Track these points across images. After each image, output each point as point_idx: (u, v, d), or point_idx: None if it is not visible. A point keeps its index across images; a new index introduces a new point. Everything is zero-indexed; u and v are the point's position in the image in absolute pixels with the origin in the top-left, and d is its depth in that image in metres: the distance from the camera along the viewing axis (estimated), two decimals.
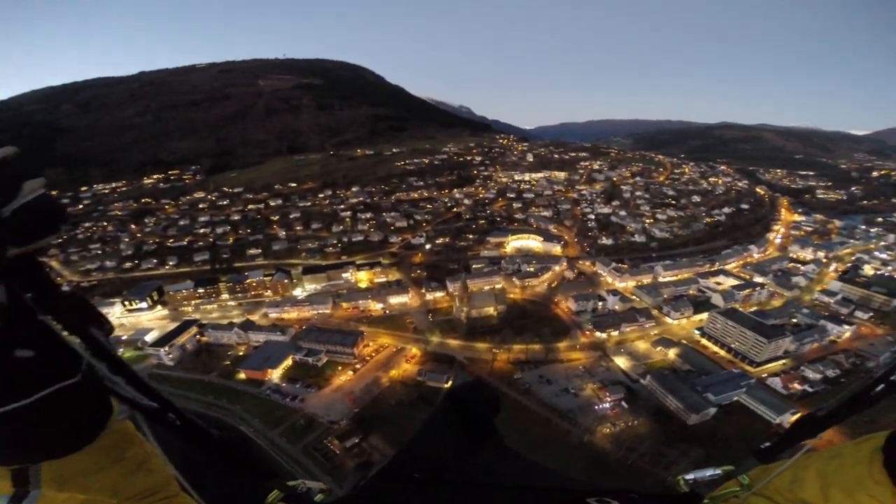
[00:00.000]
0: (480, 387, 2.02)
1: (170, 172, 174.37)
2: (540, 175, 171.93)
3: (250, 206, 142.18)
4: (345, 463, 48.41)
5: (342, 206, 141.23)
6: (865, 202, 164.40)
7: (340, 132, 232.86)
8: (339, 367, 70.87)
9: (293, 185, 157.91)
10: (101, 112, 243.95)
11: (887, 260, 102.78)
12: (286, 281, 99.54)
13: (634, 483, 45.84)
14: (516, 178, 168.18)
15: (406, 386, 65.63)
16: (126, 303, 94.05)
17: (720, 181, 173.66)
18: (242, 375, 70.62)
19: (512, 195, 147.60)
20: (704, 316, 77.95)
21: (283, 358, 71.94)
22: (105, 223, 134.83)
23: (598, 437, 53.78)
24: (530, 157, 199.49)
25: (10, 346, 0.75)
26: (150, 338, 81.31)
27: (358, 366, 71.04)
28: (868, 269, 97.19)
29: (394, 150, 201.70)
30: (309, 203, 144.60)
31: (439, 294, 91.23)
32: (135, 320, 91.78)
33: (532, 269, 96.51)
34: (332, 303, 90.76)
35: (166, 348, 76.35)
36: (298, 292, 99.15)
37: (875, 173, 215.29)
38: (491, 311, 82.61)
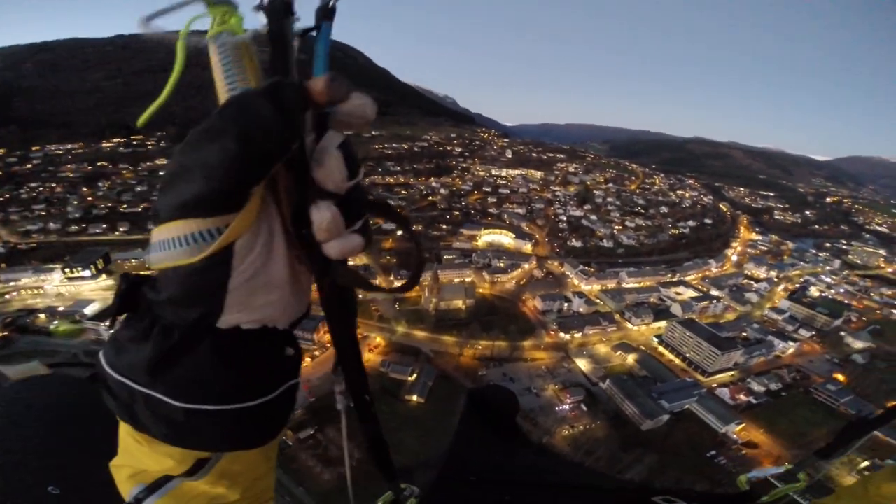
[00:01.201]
0: (499, 388, 2.02)
1: (132, 137, 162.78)
2: (517, 172, 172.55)
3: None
4: (298, 455, 46.54)
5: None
6: (817, 226, 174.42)
7: None
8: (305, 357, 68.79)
9: None
10: (68, 73, 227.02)
11: (831, 283, 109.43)
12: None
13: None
14: (494, 172, 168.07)
15: (368, 376, 64.51)
16: (67, 270, 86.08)
17: (687, 194, 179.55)
18: None
19: (488, 189, 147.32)
20: (663, 324, 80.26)
21: None
22: (54, 184, 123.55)
23: (557, 438, 54.37)
24: (509, 154, 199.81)
25: (287, 343, 0.74)
26: (90, 310, 73.91)
27: (317, 353, 68.64)
28: (814, 291, 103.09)
29: (373, 132, 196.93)
30: None
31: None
32: (75, 290, 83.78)
33: (502, 265, 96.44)
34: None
35: (107, 322, 70.20)
36: None
37: (829, 199, 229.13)
38: (460, 304, 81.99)
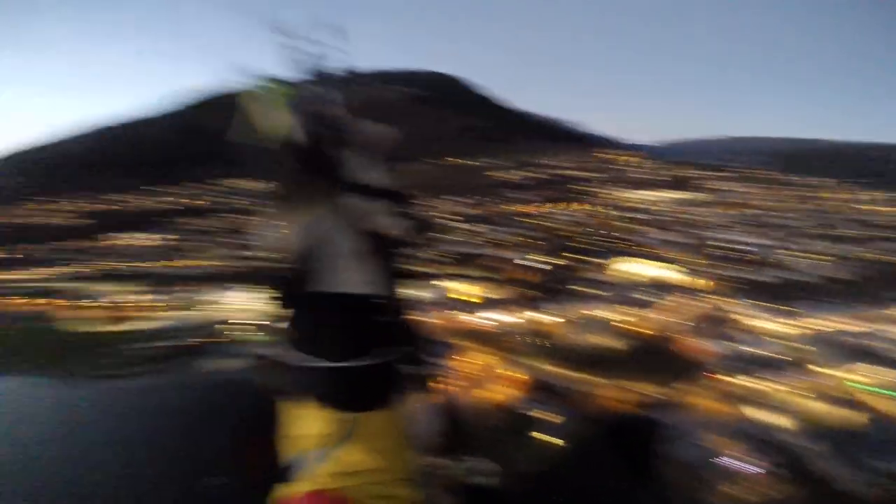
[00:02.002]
0: (641, 417, 2.13)
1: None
2: (663, 194, 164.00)
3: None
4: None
5: (438, 216, 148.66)
6: None
7: (436, 142, 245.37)
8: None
9: None
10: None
11: None
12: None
13: None
14: (634, 195, 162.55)
15: (499, 410, 66.17)
16: (250, 288, 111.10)
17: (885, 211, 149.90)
18: None
19: (629, 215, 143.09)
20: (868, 368, 69.03)
21: None
22: (242, 216, 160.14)
23: (720, 496, 50.64)
24: (650, 174, 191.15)
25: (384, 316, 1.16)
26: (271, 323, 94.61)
27: (448, 382, 73.57)
28: None
29: (494, 161, 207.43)
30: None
31: (546, 317, 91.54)
32: (254, 305, 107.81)
33: (655, 300, 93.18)
34: (426, 311, 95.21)
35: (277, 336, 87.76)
36: None
37: None
38: (604, 341, 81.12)
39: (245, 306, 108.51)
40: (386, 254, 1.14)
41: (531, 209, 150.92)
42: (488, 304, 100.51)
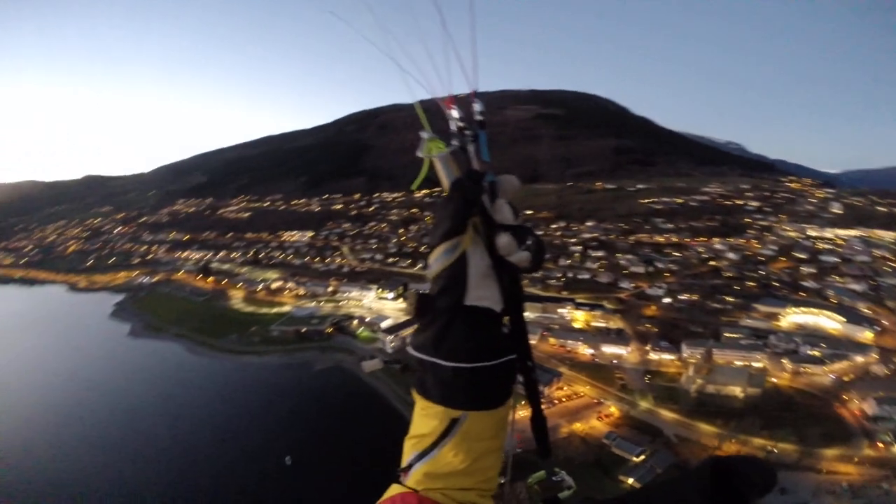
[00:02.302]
0: (753, 459, 1.71)
1: (433, 190, 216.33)
2: (851, 233, 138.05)
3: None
4: None
5: (573, 240, 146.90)
6: None
7: (579, 163, 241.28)
8: (523, 402, 74.45)
9: (528, 212, 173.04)
10: (393, 133, 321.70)
11: None
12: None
13: None
14: (812, 233, 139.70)
15: (586, 444, 63.96)
16: (379, 291, 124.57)
17: None
18: None
19: (803, 255, 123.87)
20: None
21: None
22: (384, 224, 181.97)
23: None
24: (836, 209, 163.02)
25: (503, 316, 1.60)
26: (384, 324, 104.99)
27: (543, 407, 72.90)
28: None
29: (639, 186, 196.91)
30: (541, 232, 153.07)
31: (668, 356, 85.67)
32: (380, 307, 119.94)
33: (817, 354, 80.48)
34: (540, 335, 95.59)
35: (391, 337, 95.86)
36: None
37: None
38: (737, 391, 73.04)
39: (376, 306, 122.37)
40: (511, 277, 1.59)
41: (684, 240, 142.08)
42: (608, 335, 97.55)
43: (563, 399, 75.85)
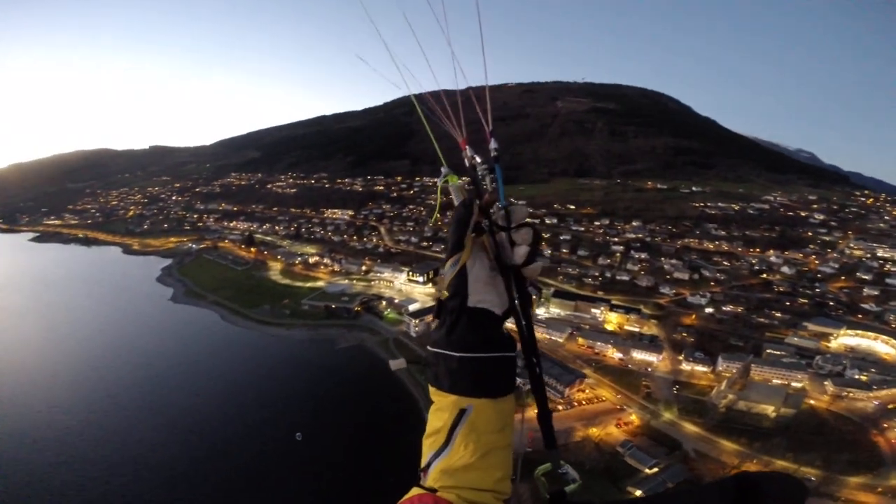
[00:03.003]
0: (782, 476, 1.73)
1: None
2: None
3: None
4: None
5: (616, 240, 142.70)
6: None
7: (631, 160, 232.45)
8: (531, 402, 73.49)
9: (571, 207, 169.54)
10: (439, 119, 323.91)
11: None
12: (534, 297, 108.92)
13: None
14: (881, 253, 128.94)
15: (599, 450, 62.77)
16: (410, 274, 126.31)
17: None
18: None
19: (866, 276, 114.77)
20: None
21: None
22: (422, 208, 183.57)
23: None
24: None
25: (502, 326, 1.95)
26: (412, 307, 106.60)
27: (561, 407, 72.18)
28: None
29: (693, 188, 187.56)
30: (582, 228, 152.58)
31: (701, 368, 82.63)
32: (410, 289, 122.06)
33: (864, 379, 75.52)
34: (569, 334, 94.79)
35: (416, 321, 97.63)
36: (540, 312, 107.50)
37: None
38: (769, 410, 69.62)
39: (406, 289, 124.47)
40: (517, 285, 1.96)
41: (737, 250, 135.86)
42: (640, 340, 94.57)
43: (584, 402, 74.57)
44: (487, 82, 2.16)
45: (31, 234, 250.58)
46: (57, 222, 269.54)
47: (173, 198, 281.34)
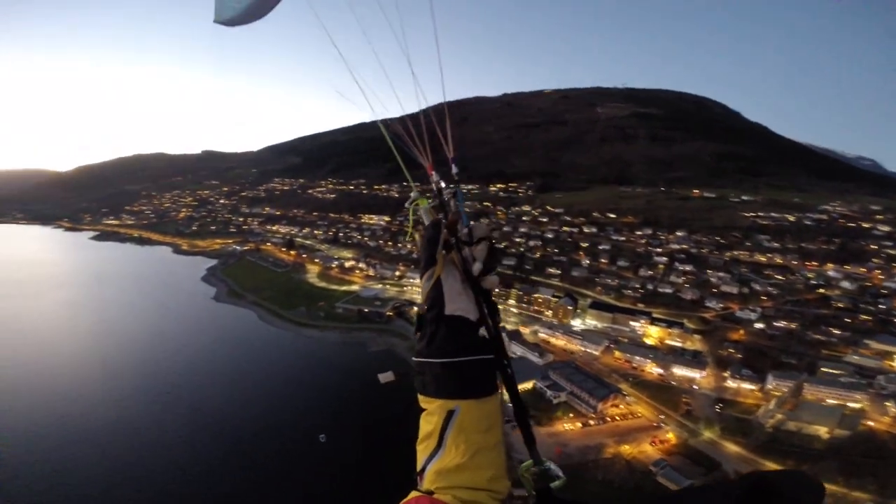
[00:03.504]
0: (799, 475, 1.64)
1: (509, 184, 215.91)
2: None
3: (564, 228, 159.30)
4: None
5: (659, 250, 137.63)
6: None
7: (675, 167, 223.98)
8: (572, 414, 70.90)
9: (612, 216, 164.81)
10: (473, 126, 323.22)
11: None
12: (570, 308, 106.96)
13: None
14: None
15: (630, 468, 59.90)
16: None
17: None
18: None
19: None
20: None
21: (526, 379, 76.95)
22: None
23: None
24: None
25: (482, 324, 2.08)
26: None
27: (592, 422, 69.71)
28: None
29: (743, 197, 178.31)
30: (623, 238, 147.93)
31: (748, 386, 78.41)
32: None
33: None
34: (606, 347, 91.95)
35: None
36: (577, 323, 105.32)
37: None
38: (822, 431, 64.78)
39: None
40: (484, 293, 2.14)
41: (791, 263, 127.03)
42: (682, 355, 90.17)
43: (617, 417, 71.71)
44: (446, 108, 2.41)
45: (92, 233, 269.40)
46: (115, 222, 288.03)
47: (221, 201, 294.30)
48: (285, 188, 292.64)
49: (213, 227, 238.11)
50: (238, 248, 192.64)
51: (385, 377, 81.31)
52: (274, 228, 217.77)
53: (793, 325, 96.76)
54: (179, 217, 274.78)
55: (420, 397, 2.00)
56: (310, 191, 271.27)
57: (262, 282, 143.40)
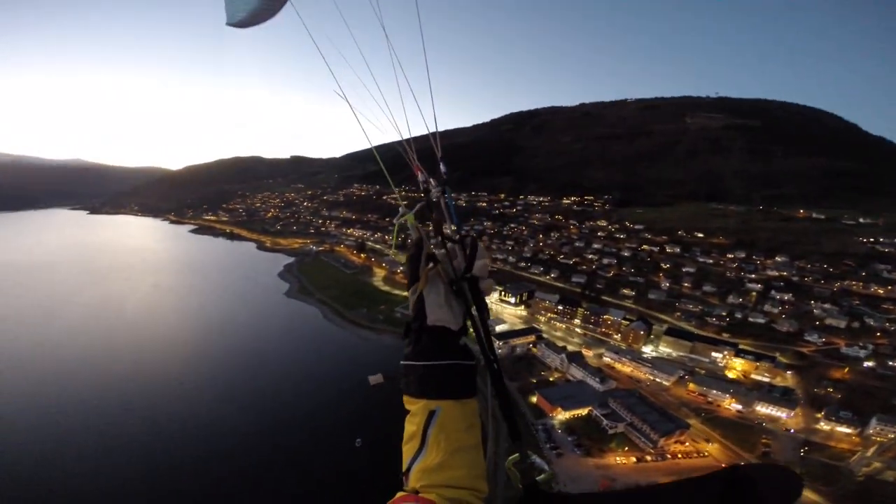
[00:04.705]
0: (776, 468, 1.75)
1: (585, 197, 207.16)
2: None
3: (644, 247, 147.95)
4: None
5: (752, 276, 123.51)
6: None
7: (777, 184, 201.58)
8: (628, 448, 64.45)
9: (699, 235, 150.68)
10: (548, 136, 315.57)
11: None
12: (642, 333, 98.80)
13: None
14: None
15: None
16: (502, 293, 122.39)
17: None
18: (534, 399, 76.10)
19: None
20: None
21: (582, 405, 72.13)
22: (523, 228, 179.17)
23: None
24: None
25: (460, 340, 2.12)
26: (499, 328, 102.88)
27: (649, 457, 62.81)
28: None
29: (860, 219, 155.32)
30: (710, 260, 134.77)
31: (844, 430, 67.51)
32: (500, 309, 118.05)
33: None
34: (679, 377, 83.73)
35: (500, 343, 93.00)
36: (648, 350, 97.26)
37: None
38: None
39: (496, 308, 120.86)
40: (476, 301, 2.20)
41: None
42: (769, 392, 78.93)
43: (680, 455, 64.15)
44: (434, 106, 2.38)
45: (192, 226, 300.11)
46: (212, 218, 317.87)
47: (304, 203, 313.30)
48: (362, 193, 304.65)
49: (295, 227, 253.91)
50: (314, 247, 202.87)
51: (375, 379, 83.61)
52: (349, 231, 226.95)
53: None
54: (267, 216, 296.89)
55: (405, 398, 2.12)
56: (384, 197, 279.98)
57: (331, 281, 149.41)
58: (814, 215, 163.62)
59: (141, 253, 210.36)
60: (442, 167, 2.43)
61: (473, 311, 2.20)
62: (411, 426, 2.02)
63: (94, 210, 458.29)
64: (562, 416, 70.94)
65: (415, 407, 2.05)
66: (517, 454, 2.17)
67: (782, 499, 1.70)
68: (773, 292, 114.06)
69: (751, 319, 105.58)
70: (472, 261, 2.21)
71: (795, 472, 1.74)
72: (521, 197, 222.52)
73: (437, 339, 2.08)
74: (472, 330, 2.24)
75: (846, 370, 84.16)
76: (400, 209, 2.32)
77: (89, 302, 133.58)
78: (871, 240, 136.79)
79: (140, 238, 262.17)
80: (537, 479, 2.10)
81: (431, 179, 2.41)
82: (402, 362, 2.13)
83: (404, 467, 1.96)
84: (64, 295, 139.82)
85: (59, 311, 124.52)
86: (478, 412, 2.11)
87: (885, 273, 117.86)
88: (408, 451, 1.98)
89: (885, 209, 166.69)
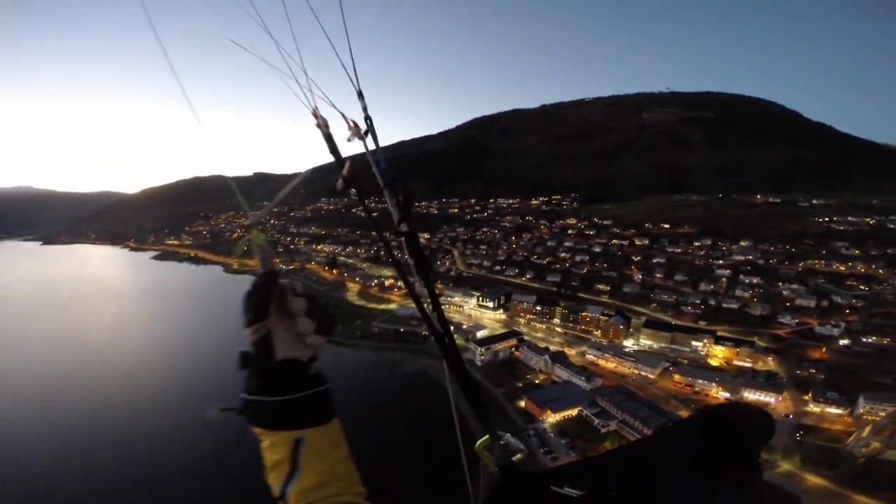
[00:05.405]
0: (747, 407, 1.75)
1: (553, 197, 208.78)
2: None
3: (614, 241, 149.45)
4: None
5: (721, 262, 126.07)
6: None
7: (736, 173, 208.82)
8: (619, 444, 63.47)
9: (665, 226, 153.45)
10: (512, 138, 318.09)
11: None
12: (621, 327, 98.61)
13: None
14: None
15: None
16: (480, 298, 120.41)
17: None
18: (522, 404, 74.34)
19: None
20: None
21: (571, 406, 70.84)
22: (496, 231, 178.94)
23: None
24: None
25: (310, 369, 1.85)
26: (480, 334, 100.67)
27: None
28: None
29: (814, 201, 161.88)
30: (679, 250, 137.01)
31: (833, 410, 68.54)
32: (479, 315, 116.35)
33: None
34: (663, 369, 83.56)
35: (482, 349, 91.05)
36: (629, 344, 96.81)
37: None
38: None
39: (476, 314, 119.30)
40: (407, 242, 1.99)
41: (877, 271, 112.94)
42: (753, 378, 78.84)
43: None
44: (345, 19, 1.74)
45: (154, 252, 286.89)
46: (175, 242, 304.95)
47: (271, 221, 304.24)
48: (331, 208, 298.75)
49: None
50: (284, 267, 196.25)
51: (211, 413, 79.14)
52: (318, 248, 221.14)
53: (884, 341, 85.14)
54: (233, 237, 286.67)
55: (256, 430, 1.86)
56: (353, 210, 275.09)
57: None
58: (771, 200, 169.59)
59: (102, 282, 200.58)
60: (382, 164, 1.91)
61: (417, 275, 1.93)
62: (274, 455, 1.82)
63: (48, 241, 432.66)
64: (552, 418, 69.24)
65: (273, 438, 1.83)
66: (486, 436, 2.00)
67: (758, 434, 1.76)
68: (741, 276, 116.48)
69: (724, 305, 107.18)
70: (409, 210, 1.89)
71: (764, 409, 1.74)
72: (492, 200, 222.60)
73: (289, 373, 1.82)
74: (416, 305, 1.96)
75: (823, 350, 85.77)
76: (245, 221, 1.80)
77: (48, 333, 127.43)
78: (827, 219, 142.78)
79: (100, 267, 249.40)
80: (513, 459, 1.95)
81: (352, 120, 1.78)
82: (245, 396, 1.79)
83: (277, 493, 1.81)
84: (17, 329, 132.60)
85: (12, 345, 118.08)
86: (340, 429, 1.94)
87: (843, 250, 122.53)
88: (276, 476, 1.82)
89: (838, 191, 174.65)
